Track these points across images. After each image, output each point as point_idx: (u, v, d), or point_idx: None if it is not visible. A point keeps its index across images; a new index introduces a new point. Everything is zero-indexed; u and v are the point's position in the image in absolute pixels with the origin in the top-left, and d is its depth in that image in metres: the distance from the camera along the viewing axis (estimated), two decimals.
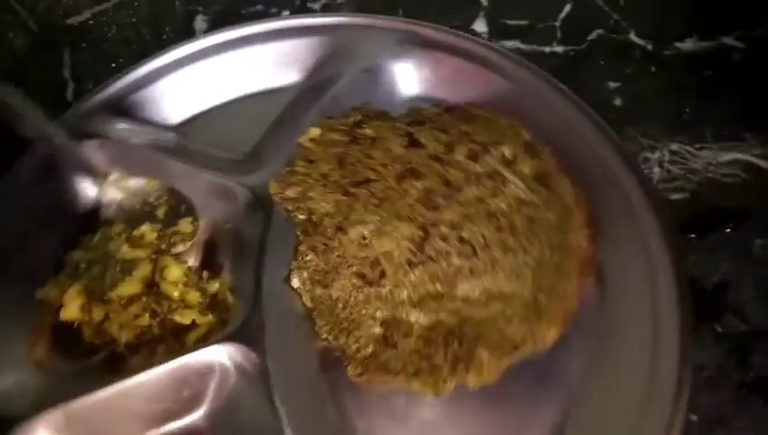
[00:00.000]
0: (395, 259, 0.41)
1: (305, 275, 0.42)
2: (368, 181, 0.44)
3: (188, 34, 0.61)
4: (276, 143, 0.48)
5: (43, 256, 0.45)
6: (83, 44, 0.61)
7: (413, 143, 0.45)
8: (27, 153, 0.47)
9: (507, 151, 0.44)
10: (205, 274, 0.45)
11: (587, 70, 0.56)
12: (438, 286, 0.40)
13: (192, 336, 0.43)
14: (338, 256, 0.42)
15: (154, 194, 0.48)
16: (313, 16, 0.54)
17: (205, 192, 0.46)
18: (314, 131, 0.47)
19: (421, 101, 0.50)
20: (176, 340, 0.42)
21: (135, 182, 0.49)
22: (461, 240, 0.41)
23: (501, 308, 0.39)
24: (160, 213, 0.47)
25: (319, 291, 0.42)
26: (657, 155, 0.50)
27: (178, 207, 0.47)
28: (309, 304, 0.42)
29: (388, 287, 0.41)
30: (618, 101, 0.54)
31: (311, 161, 0.46)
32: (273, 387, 0.37)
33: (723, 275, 0.44)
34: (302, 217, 0.44)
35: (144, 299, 0.43)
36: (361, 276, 0.41)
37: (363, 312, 0.41)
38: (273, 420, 0.36)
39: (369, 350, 0.40)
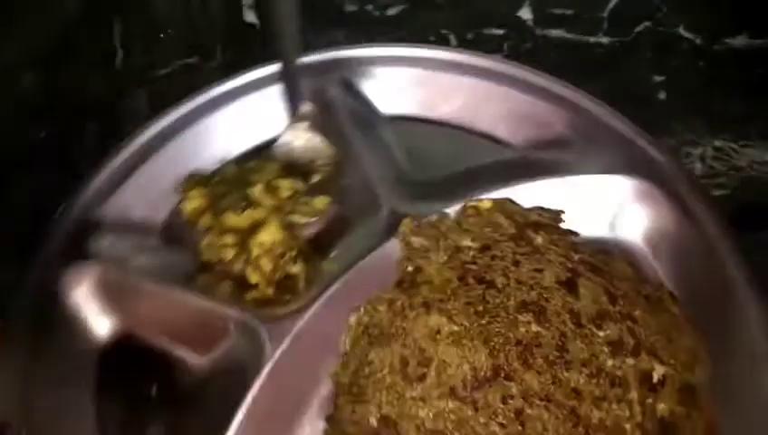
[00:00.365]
0: (444, 375, 0.38)
1: (365, 319, 0.42)
2: (489, 285, 0.41)
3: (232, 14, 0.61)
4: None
5: None
6: (134, 13, 0.61)
7: (569, 284, 0.41)
8: None
9: (658, 372, 0.38)
10: (294, 253, 0.45)
11: (632, 62, 0.55)
12: None
13: (251, 295, 0.44)
14: (402, 327, 0.40)
15: (324, 160, 0.49)
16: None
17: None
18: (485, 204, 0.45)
19: None
20: (238, 287, 0.44)
21: (317, 140, 0.49)
22: (517, 413, 0.37)
23: None
24: (312, 178, 0.48)
25: (362, 342, 0.41)
26: (699, 150, 0.50)
27: (329, 185, 0.48)
28: (346, 344, 0.41)
29: (415, 394, 0.38)
30: (662, 95, 0.53)
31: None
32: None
33: (762, 276, 0.44)
34: (408, 268, 0.43)
35: (239, 238, 0.44)
36: (404, 363, 0.39)
37: (377, 394, 0.39)
38: None
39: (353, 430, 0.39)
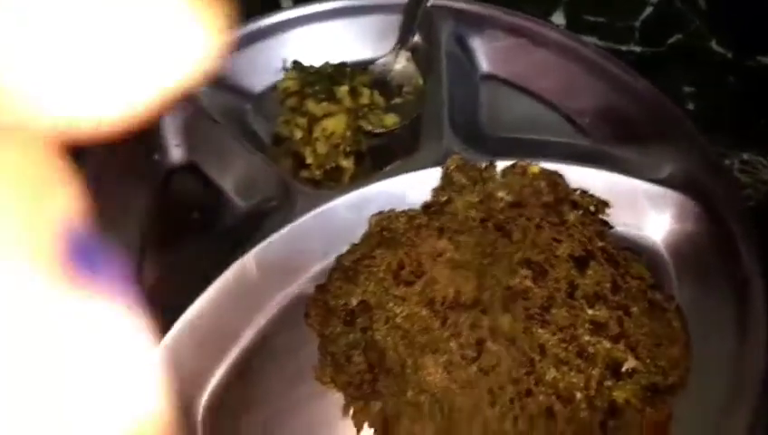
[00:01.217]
0: (430, 288, 0.41)
1: (384, 222, 0.45)
2: (505, 234, 0.43)
3: None
4: None
5: None
6: None
7: (580, 262, 0.43)
8: None
9: (629, 364, 0.39)
10: (348, 149, 0.50)
11: (662, 72, 0.55)
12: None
13: (303, 173, 0.49)
14: (412, 240, 0.43)
15: (411, 89, 0.54)
16: None
17: None
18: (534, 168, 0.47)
19: None
20: (296, 164, 0.50)
21: (412, 70, 0.55)
22: (478, 341, 0.39)
23: None
24: (393, 100, 0.53)
25: (374, 240, 0.45)
26: (726, 163, 0.50)
27: (406, 111, 0.53)
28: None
29: (398, 293, 0.41)
30: (691, 106, 0.53)
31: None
32: None
33: None
34: (441, 197, 0.46)
35: (310, 123, 0.50)
36: (400, 267, 0.42)
37: (366, 282, 0.42)
38: None
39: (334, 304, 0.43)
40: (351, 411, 0.40)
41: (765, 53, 0.55)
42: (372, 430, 0.40)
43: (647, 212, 0.47)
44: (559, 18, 0.61)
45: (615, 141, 0.51)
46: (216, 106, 0.51)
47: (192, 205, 0.48)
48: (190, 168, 0.50)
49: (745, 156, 0.50)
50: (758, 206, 0.47)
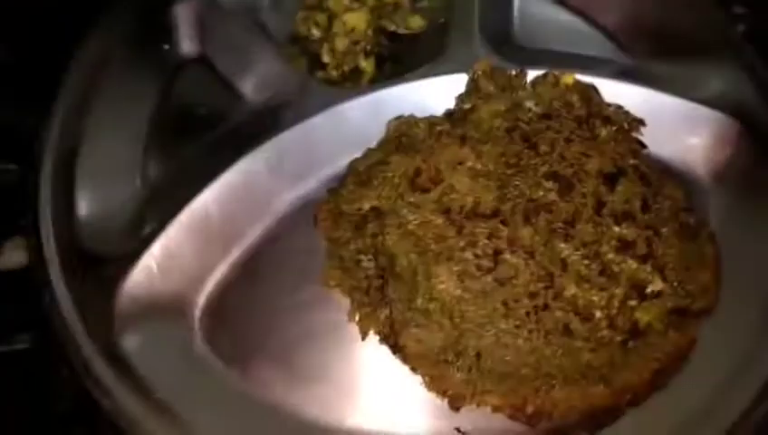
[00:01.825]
0: (447, 197, 0.39)
1: (402, 128, 0.43)
2: (531, 146, 0.40)
3: None
4: None
5: None
6: None
7: (610, 178, 0.40)
8: None
9: (655, 286, 0.37)
10: (369, 48, 0.47)
11: None
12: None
13: (319, 74, 0.47)
14: (432, 147, 0.41)
15: None
16: None
17: None
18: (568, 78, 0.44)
19: None
20: (312, 64, 0.48)
21: None
22: (496, 252, 0.37)
23: None
24: (421, 1, 0.49)
25: (391, 146, 0.42)
26: None
27: (434, 15, 0.49)
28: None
29: (413, 199, 0.39)
30: (741, 28, 0.48)
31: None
32: None
33: None
34: (465, 105, 0.43)
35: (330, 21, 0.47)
36: (417, 173, 0.40)
37: (380, 187, 0.40)
38: None
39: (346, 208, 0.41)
40: (357, 317, 0.38)
41: None
42: (378, 337, 0.38)
43: (685, 132, 0.44)
44: None
45: (656, 58, 0.47)
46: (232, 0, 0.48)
47: (201, 100, 0.46)
48: (201, 60, 0.47)
49: None
50: None
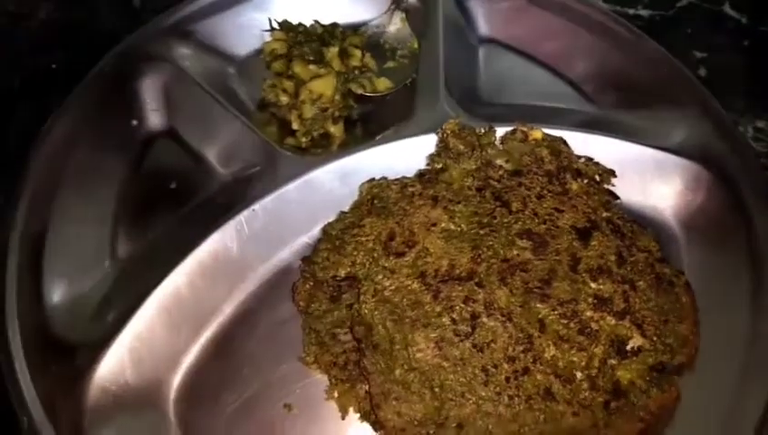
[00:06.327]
0: (422, 260, 0.38)
1: (375, 191, 0.43)
2: (503, 205, 0.41)
3: None
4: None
5: None
6: None
7: (583, 233, 0.40)
8: None
9: (635, 342, 0.37)
10: (337, 114, 0.47)
11: (672, 36, 0.53)
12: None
13: (289, 141, 0.47)
14: (405, 209, 0.41)
15: (405, 52, 0.51)
16: None
17: None
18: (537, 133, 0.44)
19: None
20: (282, 131, 0.47)
21: (407, 33, 0.51)
22: (473, 316, 0.36)
23: None
24: (386, 63, 0.50)
25: (364, 208, 0.42)
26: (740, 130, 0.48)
27: (399, 75, 0.49)
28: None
29: (387, 264, 0.39)
30: (702, 72, 0.51)
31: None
32: None
33: None
34: (436, 164, 0.43)
35: (297, 87, 0.47)
36: (391, 237, 0.40)
37: (354, 253, 0.40)
38: None
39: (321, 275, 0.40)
40: (336, 394, 0.38)
41: None
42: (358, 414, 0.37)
43: (655, 181, 0.44)
44: None
45: (622, 108, 0.48)
46: (198, 69, 0.48)
47: (170, 174, 0.45)
48: (170, 134, 0.47)
49: (760, 123, 0.48)
50: None
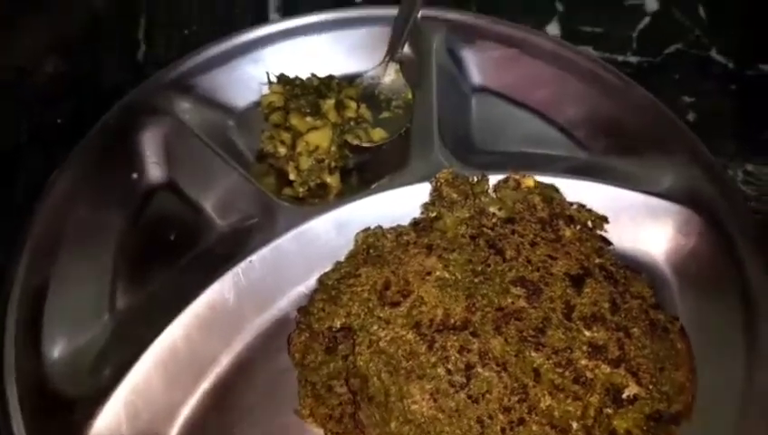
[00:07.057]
0: (416, 310, 0.39)
1: (370, 240, 0.43)
2: (497, 252, 0.41)
3: (259, 11, 0.62)
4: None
5: None
6: (159, 9, 0.62)
7: (577, 280, 0.40)
8: None
9: (630, 391, 0.37)
10: (333, 165, 0.48)
11: (661, 82, 0.55)
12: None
13: (286, 191, 0.48)
14: (399, 258, 0.41)
15: (400, 103, 0.52)
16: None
17: None
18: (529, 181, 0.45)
19: None
20: (279, 182, 0.48)
21: (402, 84, 0.52)
22: (468, 366, 0.36)
23: None
24: (381, 114, 0.51)
25: (359, 258, 0.43)
26: (729, 174, 0.49)
27: (394, 126, 0.51)
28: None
29: (382, 314, 0.39)
30: (691, 117, 0.53)
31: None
32: None
33: None
34: (430, 213, 0.44)
35: (294, 139, 0.48)
36: (386, 286, 0.40)
37: (350, 303, 0.40)
38: None
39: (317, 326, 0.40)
40: None
41: (766, 61, 0.55)
42: None
43: (647, 227, 0.45)
44: (554, 29, 0.60)
45: (613, 154, 0.49)
46: (198, 122, 0.49)
47: (170, 226, 0.46)
48: (169, 186, 0.48)
49: (749, 167, 0.49)
50: (764, 219, 0.45)
